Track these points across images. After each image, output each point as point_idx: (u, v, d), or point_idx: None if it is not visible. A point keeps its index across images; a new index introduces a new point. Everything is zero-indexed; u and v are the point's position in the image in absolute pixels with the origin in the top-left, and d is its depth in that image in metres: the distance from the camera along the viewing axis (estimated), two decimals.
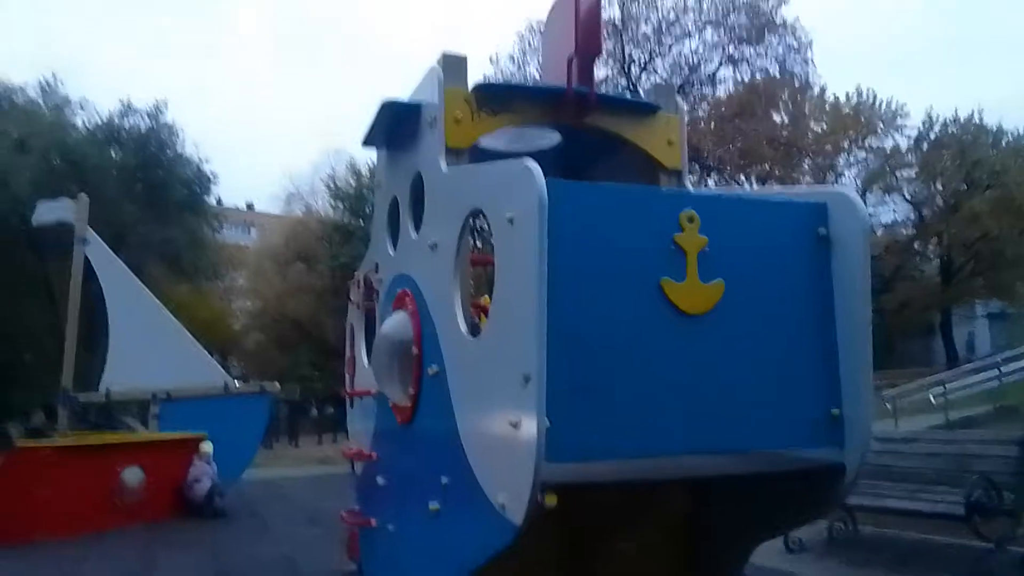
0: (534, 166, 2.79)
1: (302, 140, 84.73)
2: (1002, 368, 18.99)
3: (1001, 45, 69.85)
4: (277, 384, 12.90)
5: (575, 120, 4.05)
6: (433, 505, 3.51)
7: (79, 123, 24.80)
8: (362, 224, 28.08)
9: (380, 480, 4.56)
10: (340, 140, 66.75)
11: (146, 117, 25.04)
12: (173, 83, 69.01)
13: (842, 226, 3.39)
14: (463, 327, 3.40)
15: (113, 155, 24.68)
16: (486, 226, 3.32)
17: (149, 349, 10.38)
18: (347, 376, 6.00)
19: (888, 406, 17.54)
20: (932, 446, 7.10)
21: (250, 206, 57.92)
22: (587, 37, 3.82)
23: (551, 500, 2.88)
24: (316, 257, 31.61)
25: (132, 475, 9.13)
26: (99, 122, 24.91)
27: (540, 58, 4.96)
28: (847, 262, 3.37)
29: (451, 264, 3.52)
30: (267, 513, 9.96)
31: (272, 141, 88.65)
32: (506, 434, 2.78)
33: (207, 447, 9.76)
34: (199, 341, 11.58)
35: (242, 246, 44.28)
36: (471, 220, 3.51)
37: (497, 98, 3.94)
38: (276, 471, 16.14)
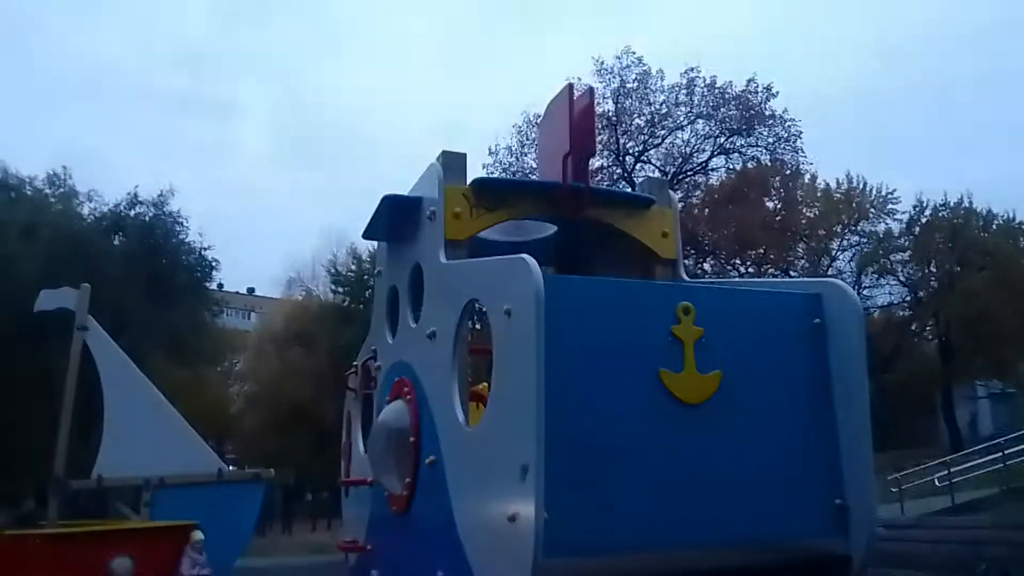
0: (531, 260, 2.87)
1: (304, 225, 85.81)
2: (1006, 450, 18.72)
3: (986, 130, 71.81)
4: (271, 471, 12.67)
5: (571, 213, 4.18)
6: None
7: (85, 212, 25.26)
8: (362, 307, 28.16)
9: (374, 573, 4.48)
10: (341, 225, 67.56)
11: (151, 207, 25.54)
12: (179, 175, 70.51)
13: (836, 315, 3.47)
14: (461, 417, 3.42)
15: (118, 243, 25.03)
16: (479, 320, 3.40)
17: (143, 435, 10.24)
18: (343, 464, 5.95)
19: (893, 489, 17.22)
20: (940, 532, 6.99)
21: (251, 290, 58.18)
22: (581, 136, 3.98)
23: None
24: (315, 339, 31.54)
25: (121, 565, 8.87)
26: (106, 211, 25.37)
27: (537, 152, 5.15)
28: (843, 350, 3.43)
29: (449, 353, 3.57)
30: None
31: (274, 226, 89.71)
32: (503, 527, 2.77)
33: (198, 536, 9.53)
34: (196, 426, 11.43)
35: (242, 331, 44.28)
36: (471, 308, 3.56)
37: (495, 193, 4.08)
38: (269, 560, 15.73)
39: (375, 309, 5.36)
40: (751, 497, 3.23)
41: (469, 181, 4.05)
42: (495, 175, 22.73)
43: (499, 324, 3.04)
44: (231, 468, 12.02)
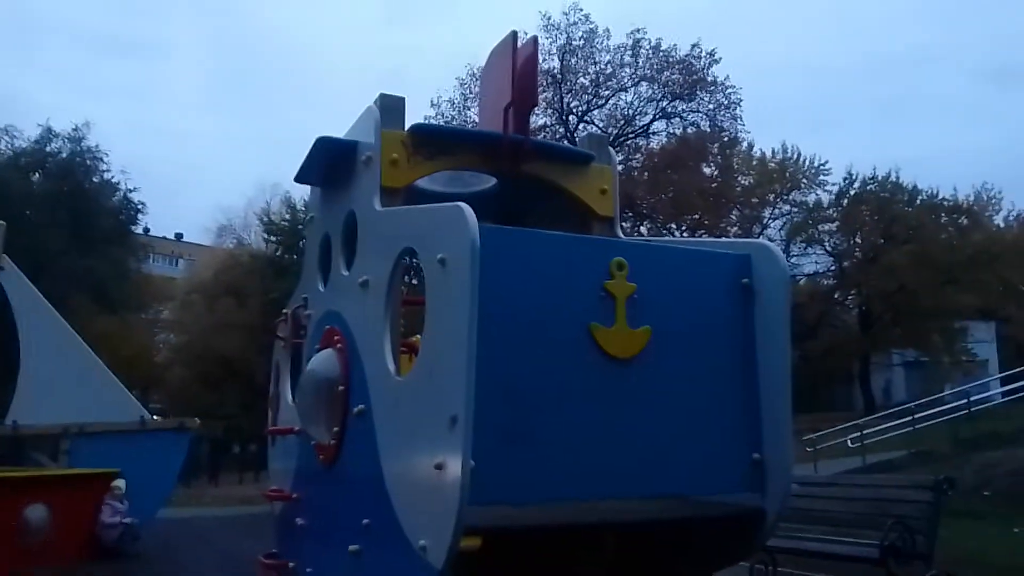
0: (467, 209, 2.82)
1: (237, 173, 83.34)
2: (916, 415, 19.79)
3: (917, 107, 74.24)
4: (197, 420, 12.47)
5: (510, 167, 4.12)
6: (353, 547, 3.44)
7: (2, 147, 23.96)
8: (296, 260, 27.62)
9: (300, 521, 4.44)
10: (276, 174, 65.87)
11: (68, 141, 24.33)
12: (106, 117, 67.33)
13: (764, 276, 3.53)
14: (392, 367, 3.38)
15: (36, 183, 23.85)
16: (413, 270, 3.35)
17: (63, 381, 9.95)
18: (270, 413, 5.85)
19: (808, 450, 18.03)
20: (850, 490, 7.32)
21: (179, 236, 56.41)
22: (523, 88, 3.92)
23: (472, 542, 2.86)
24: (246, 292, 30.85)
25: (36, 514, 8.63)
26: (25, 148, 24.09)
27: (478, 103, 5.04)
28: (769, 311, 3.50)
29: (382, 302, 3.50)
30: (183, 555, 9.54)
31: (205, 173, 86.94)
32: (430, 476, 2.76)
33: (120, 484, 9.32)
34: (120, 375, 11.15)
35: (169, 278, 43.00)
36: (407, 259, 3.50)
37: (434, 141, 3.99)
38: (194, 510, 15.53)
39: (306, 256, 5.24)
40: (673, 451, 3.30)
41: (407, 127, 3.95)
42: None
43: (432, 274, 2.99)
44: (155, 418, 11.74)
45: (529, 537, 3.97)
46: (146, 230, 33.91)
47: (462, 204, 2.87)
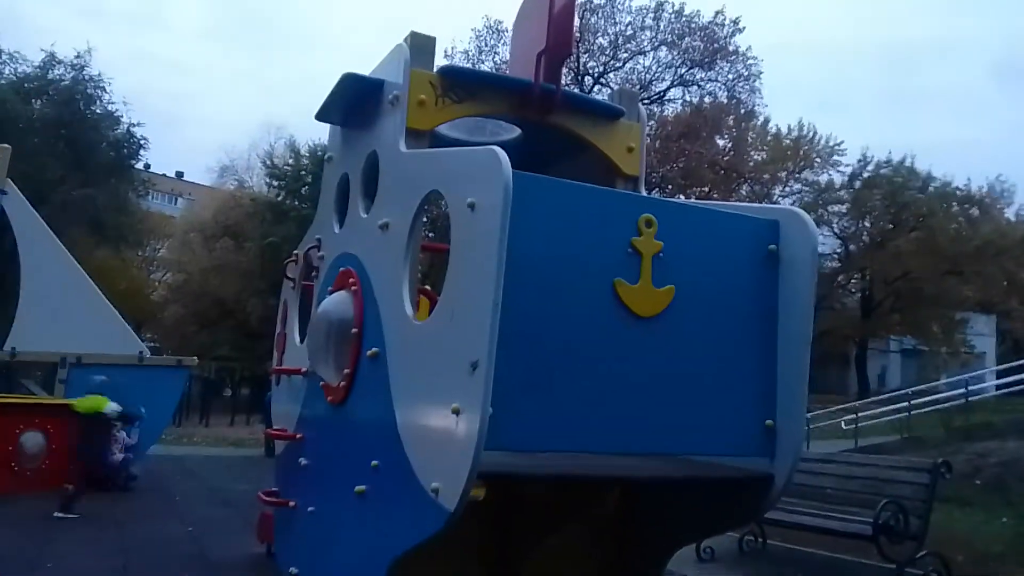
0: (502, 153, 2.76)
1: (244, 114, 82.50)
2: (911, 401, 19.89)
3: (934, 95, 73.48)
4: (195, 359, 12.49)
5: (539, 117, 4.04)
6: (360, 488, 3.43)
7: (5, 72, 23.57)
8: (297, 205, 27.41)
9: (303, 461, 4.44)
10: (283, 117, 65.16)
11: (70, 69, 23.92)
12: (105, 45, 66.19)
13: (792, 244, 3.47)
14: (410, 310, 3.33)
15: (37, 108, 23.52)
16: (425, 218, 3.27)
17: (62, 310, 9.90)
18: (276, 353, 5.83)
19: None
20: (846, 468, 7.34)
21: (180, 175, 56.04)
22: (559, 35, 3.81)
23: (479, 492, 2.85)
24: (245, 234, 30.67)
25: (32, 440, 8.66)
26: (27, 73, 23.70)
27: (501, 52, 4.93)
28: (794, 279, 3.45)
29: (402, 246, 3.44)
30: (174, 490, 9.60)
31: (208, 109, 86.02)
32: (446, 420, 2.73)
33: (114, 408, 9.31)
34: (116, 309, 11.10)
35: (168, 215, 42.77)
36: (429, 200, 3.43)
37: (463, 85, 3.89)
38: (185, 449, 15.60)
39: (322, 197, 5.16)
40: (688, 411, 3.28)
41: (437, 68, 3.84)
42: None
43: (460, 217, 2.93)
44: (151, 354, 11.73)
45: (531, 484, 3.99)
46: (147, 166, 33.57)
47: (496, 148, 2.80)
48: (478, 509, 3.82)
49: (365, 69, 4.23)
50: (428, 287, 5.20)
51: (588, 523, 4.15)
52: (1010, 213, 35.40)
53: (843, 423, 19.62)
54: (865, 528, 5.90)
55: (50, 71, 23.86)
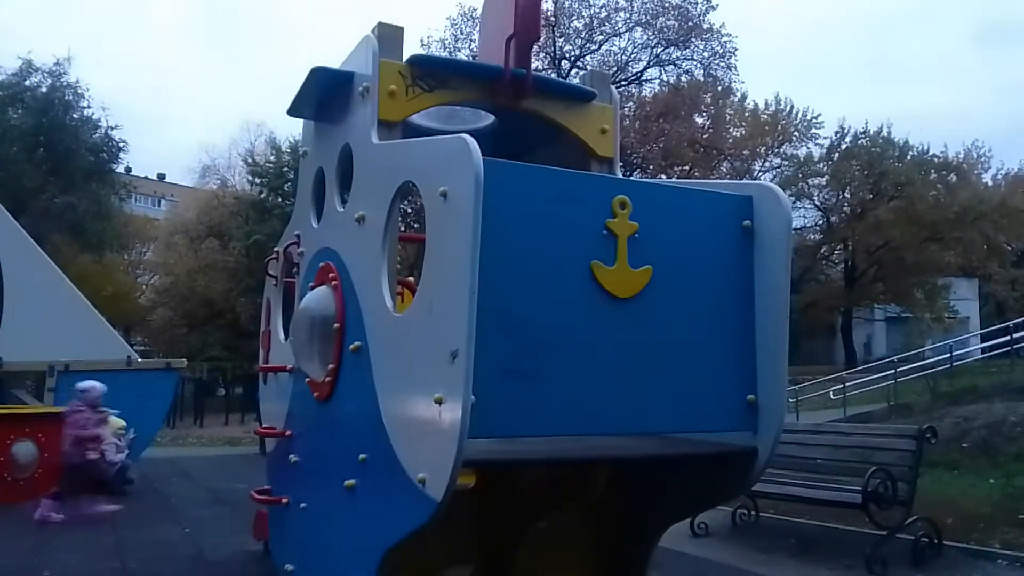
0: (471, 141, 2.76)
1: (223, 113, 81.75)
2: (897, 368, 20.10)
3: (911, 64, 73.71)
4: (184, 361, 12.46)
5: (511, 102, 4.03)
6: (349, 482, 3.45)
7: None
8: (280, 202, 27.30)
9: (294, 458, 4.45)
10: (262, 114, 64.66)
11: (48, 76, 23.67)
12: (82, 48, 65.45)
13: (766, 219, 3.49)
14: (389, 302, 3.34)
15: (14, 116, 23.25)
16: (410, 209, 3.28)
17: (47, 318, 9.85)
18: (261, 352, 5.83)
19: (791, 400, 18.32)
20: (833, 438, 7.44)
21: (162, 177, 55.62)
22: (526, 19, 3.79)
23: (466, 480, 2.87)
24: (230, 234, 30.54)
25: (23, 450, 8.63)
26: (1, 81, 23.41)
27: (476, 40, 4.93)
28: (770, 254, 3.47)
29: (379, 238, 3.44)
30: (170, 492, 9.61)
31: (187, 110, 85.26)
32: (430, 410, 2.75)
33: (121, 423, 9.32)
34: (102, 315, 11.06)
35: (152, 218, 42.49)
36: (404, 191, 3.43)
37: (433, 73, 3.88)
38: (180, 451, 15.60)
39: (299, 192, 5.14)
40: (670, 390, 3.30)
41: (406, 58, 3.83)
42: None
43: (434, 207, 2.93)
44: (139, 360, 11.70)
45: (522, 469, 4.02)
46: (128, 169, 33.33)
47: (466, 136, 2.80)
48: (470, 497, 3.86)
49: (341, 57, 4.20)
50: (412, 278, 5.21)
51: (579, 505, 4.18)
52: (987, 178, 35.74)
53: (831, 393, 19.82)
54: (854, 497, 5.98)
55: (27, 78, 23.58)
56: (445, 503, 2.72)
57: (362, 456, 3.36)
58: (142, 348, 32.64)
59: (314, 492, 4.16)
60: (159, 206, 51.20)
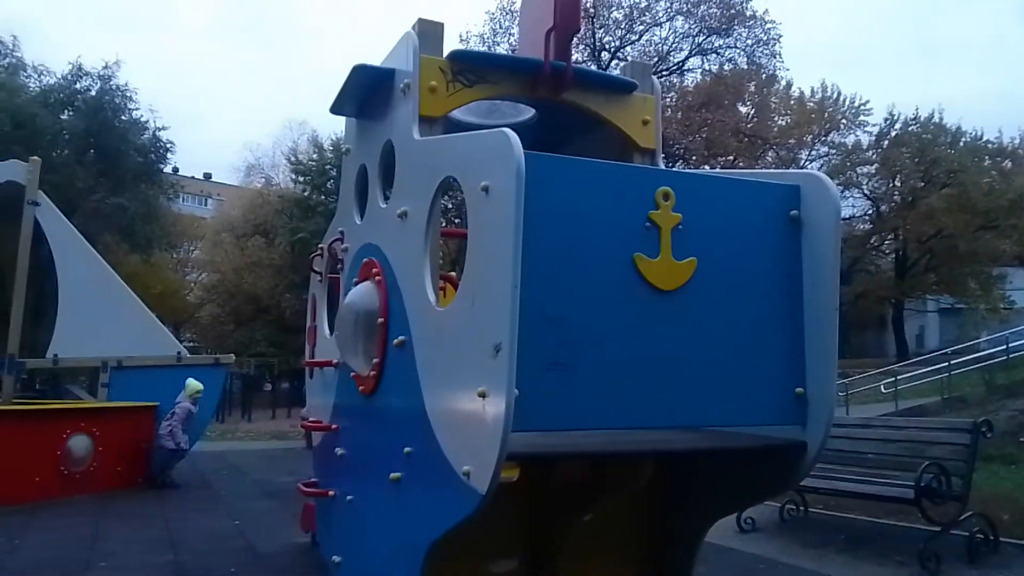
0: (513, 135, 2.75)
1: (265, 111, 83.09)
2: (951, 361, 19.58)
3: (963, 46, 71.52)
4: (232, 356, 12.70)
5: (552, 95, 4.01)
6: (395, 475, 3.48)
7: (32, 86, 23.99)
8: (324, 199, 27.67)
9: (340, 451, 4.51)
10: (303, 113, 65.53)
11: (98, 80, 24.31)
12: (131, 52, 66.89)
13: (814, 209, 3.42)
14: (432, 297, 3.35)
15: (66, 119, 23.93)
16: (450, 204, 3.29)
17: (100, 316, 10.11)
18: (307, 347, 5.92)
19: (841, 394, 17.98)
20: (884, 432, 7.26)
21: (208, 176, 56.78)
22: (566, 12, 3.77)
23: (510, 474, 2.86)
24: (275, 231, 31.06)
25: (79, 443, 8.90)
26: (53, 84, 24.12)
27: (516, 34, 4.92)
28: (818, 245, 3.40)
29: (421, 233, 3.46)
30: (219, 485, 9.82)
31: (233, 111, 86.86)
32: (474, 403, 2.75)
33: (192, 408, 9.65)
34: (152, 312, 11.32)
35: (199, 217, 43.41)
36: (446, 186, 3.44)
37: (473, 68, 3.88)
38: (229, 444, 15.94)
39: (342, 189, 5.20)
40: (716, 383, 3.26)
41: (446, 53, 3.84)
42: None
43: (476, 202, 2.93)
44: (189, 356, 11.96)
45: (566, 462, 4.01)
46: (175, 169, 34.13)
47: (507, 130, 2.79)
48: (515, 490, 3.86)
49: (379, 55, 4.24)
50: (453, 273, 5.23)
51: (624, 498, 4.16)
52: None
53: (882, 387, 19.39)
54: (907, 492, 5.84)
55: (77, 82, 24.26)
56: (490, 496, 2.73)
57: (407, 449, 3.38)
58: (191, 344, 33.40)
59: (360, 485, 4.21)
60: (206, 205, 52.27)
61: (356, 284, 4.20)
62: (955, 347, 21.48)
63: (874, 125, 31.31)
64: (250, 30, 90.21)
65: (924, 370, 20.60)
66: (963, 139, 30.97)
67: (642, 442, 3.46)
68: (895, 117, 31.37)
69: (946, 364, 19.32)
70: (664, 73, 27.74)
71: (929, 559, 5.51)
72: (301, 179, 30.51)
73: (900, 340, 32.99)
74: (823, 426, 3.34)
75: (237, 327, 32.36)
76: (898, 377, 19.19)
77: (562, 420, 2.98)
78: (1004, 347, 20.51)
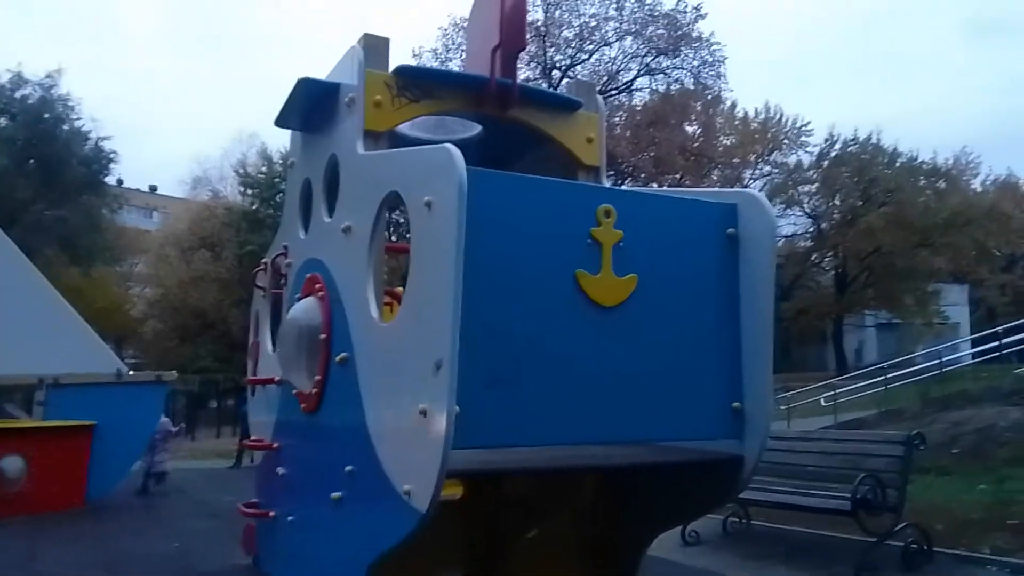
0: (455, 151, 2.76)
1: (214, 123, 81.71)
2: (888, 374, 20.16)
3: (899, 66, 74.27)
4: (173, 373, 12.38)
5: (497, 112, 4.05)
6: (336, 494, 3.44)
7: None
8: (273, 212, 27.31)
9: (281, 470, 4.44)
10: (252, 125, 64.62)
11: (39, 88, 23.67)
12: (71, 59, 65.26)
13: (751, 226, 3.51)
14: (375, 313, 3.34)
15: (4, 128, 23.22)
16: (402, 219, 3.29)
17: (37, 332, 9.78)
18: (249, 363, 5.82)
19: (782, 407, 18.36)
20: (823, 444, 7.43)
21: (153, 189, 55.52)
22: (512, 30, 3.81)
23: (453, 491, 2.86)
24: (222, 245, 30.52)
25: (12, 465, 8.57)
26: None
27: (464, 50, 4.96)
28: (754, 261, 3.48)
29: (365, 249, 3.45)
30: (160, 506, 9.56)
31: (180, 122, 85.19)
32: (415, 421, 2.74)
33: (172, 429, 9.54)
34: (93, 328, 10.99)
35: (143, 230, 42.37)
36: (390, 201, 3.44)
37: (419, 84, 3.89)
38: (171, 463, 15.49)
39: (287, 203, 5.15)
40: (656, 398, 3.31)
41: (392, 68, 3.85)
42: None
43: (418, 217, 2.93)
44: (131, 372, 11.63)
45: (510, 478, 4.01)
46: (119, 181, 33.34)
47: (449, 146, 2.81)
48: (458, 507, 3.85)
49: (331, 66, 4.22)
50: (401, 288, 5.21)
51: (567, 514, 4.18)
52: (976, 183, 35.98)
53: (822, 400, 19.86)
54: (844, 504, 5.98)
55: (17, 90, 23.55)
56: (430, 514, 2.72)
57: (349, 468, 3.35)
58: (133, 361, 32.50)
59: (301, 504, 4.15)
60: (151, 218, 51.04)
61: (299, 300, 4.16)
62: (892, 361, 22.13)
63: (815, 145, 32.33)
64: (200, 41, 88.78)
65: (862, 384, 21.18)
66: (900, 159, 32.11)
67: (583, 457, 3.49)
68: (835, 137, 32.44)
69: (883, 378, 19.90)
70: (613, 92, 28.17)
71: (866, 569, 5.65)
72: (250, 192, 30.07)
73: (840, 354, 33.84)
74: (759, 440, 3.41)
75: (181, 343, 31.63)
76: (837, 391, 19.67)
77: (504, 437, 2.99)
78: (938, 361, 21.21)
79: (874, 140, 32.07)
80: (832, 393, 19.58)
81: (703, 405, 3.40)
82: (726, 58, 28.19)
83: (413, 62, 25.70)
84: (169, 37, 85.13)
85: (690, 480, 3.65)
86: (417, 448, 2.74)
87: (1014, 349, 20.74)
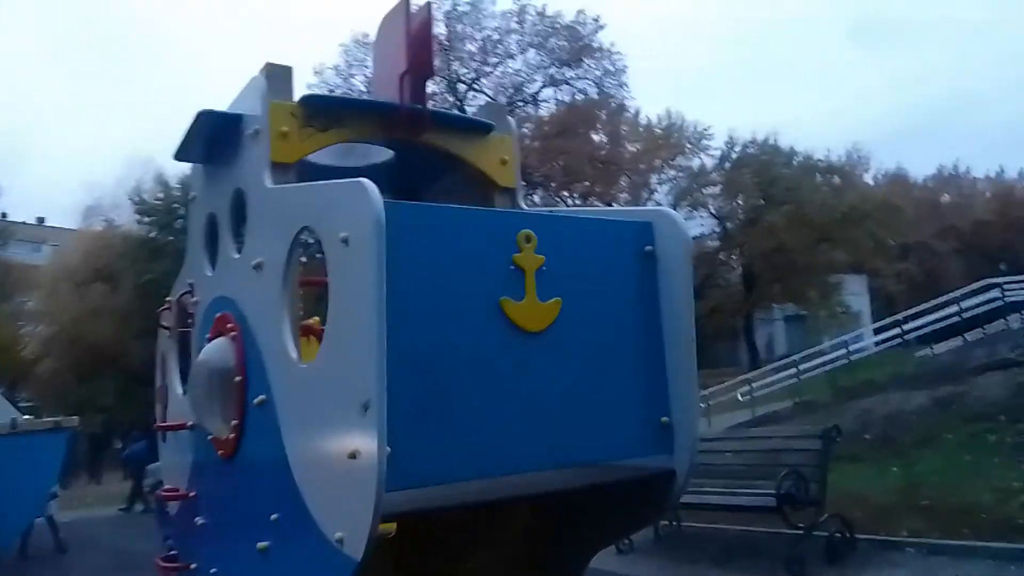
0: (370, 186, 2.68)
1: (104, 149, 78.12)
2: (800, 366, 20.97)
3: (792, 71, 77.89)
4: (75, 419, 11.67)
5: (409, 137, 3.97)
6: (262, 544, 3.27)
7: None
8: (172, 239, 26.25)
9: (200, 520, 4.20)
10: (148, 150, 62.05)
11: None
12: None
13: (666, 243, 3.55)
14: (294, 353, 3.20)
15: None
16: (319, 254, 3.18)
17: None
18: (158, 408, 5.51)
19: (702, 406, 18.80)
20: (744, 443, 7.66)
21: (41, 220, 52.52)
22: (419, 55, 3.75)
23: (388, 527, 2.76)
24: (119, 276, 29.13)
25: None
26: None
27: (370, 72, 4.87)
28: (671, 277, 3.53)
29: (279, 285, 3.30)
30: (70, 561, 8.99)
31: (69, 149, 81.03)
32: (344, 464, 2.63)
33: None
34: None
35: (32, 265, 40.02)
36: (303, 236, 3.31)
37: (326, 112, 3.78)
38: (77, 513, 14.65)
39: (190, 239, 4.90)
40: (586, 420, 3.30)
41: (297, 98, 3.72)
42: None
43: (335, 253, 2.83)
44: (27, 417, 10.91)
45: (442, 516, 3.92)
46: (3, 215, 31.44)
47: (364, 180, 2.72)
48: (390, 543, 3.73)
49: (226, 88, 4.05)
50: (314, 319, 5.03)
51: (505, 538, 4.12)
52: (868, 178, 38.01)
53: (739, 395, 20.49)
54: (769, 500, 6.16)
55: None
56: (365, 561, 2.61)
57: (274, 516, 3.19)
58: (28, 404, 30.58)
59: (224, 555, 3.93)
60: (40, 251, 48.28)
61: (209, 340, 3.96)
62: (802, 353, 23.04)
63: (716, 149, 33.47)
64: (85, 61, 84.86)
65: (776, 376, 21.96)
66: (796, 159, 33.57)
67: (518, 486, 3.43)
68: (735, 141, 33.67)
69: (795, 370, 20.68)
70: (520, 104, 28.42)
71: (794, 563, 5.81)
72: (147, 219, 28.84)
73: (752, 349, 35.04)
74: (689, 452, 3.45)
75: (80, 381, 29.96)
76: (753, 385, 20.33)
77: (438, 474, 2.92)
78: (845, 350, 22.20)
79: (772, 142, 33.45)
80: (748, 388, 20.21)
81: (633, 423, 3.41)
82: (627, 67, 28.94)
83: (315, 79, 25.28)
84: (52, 58, 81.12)
85: (625, 497, 3.66)
86: (348, 493, 2.63)
87: (914, 335, 21.92)
